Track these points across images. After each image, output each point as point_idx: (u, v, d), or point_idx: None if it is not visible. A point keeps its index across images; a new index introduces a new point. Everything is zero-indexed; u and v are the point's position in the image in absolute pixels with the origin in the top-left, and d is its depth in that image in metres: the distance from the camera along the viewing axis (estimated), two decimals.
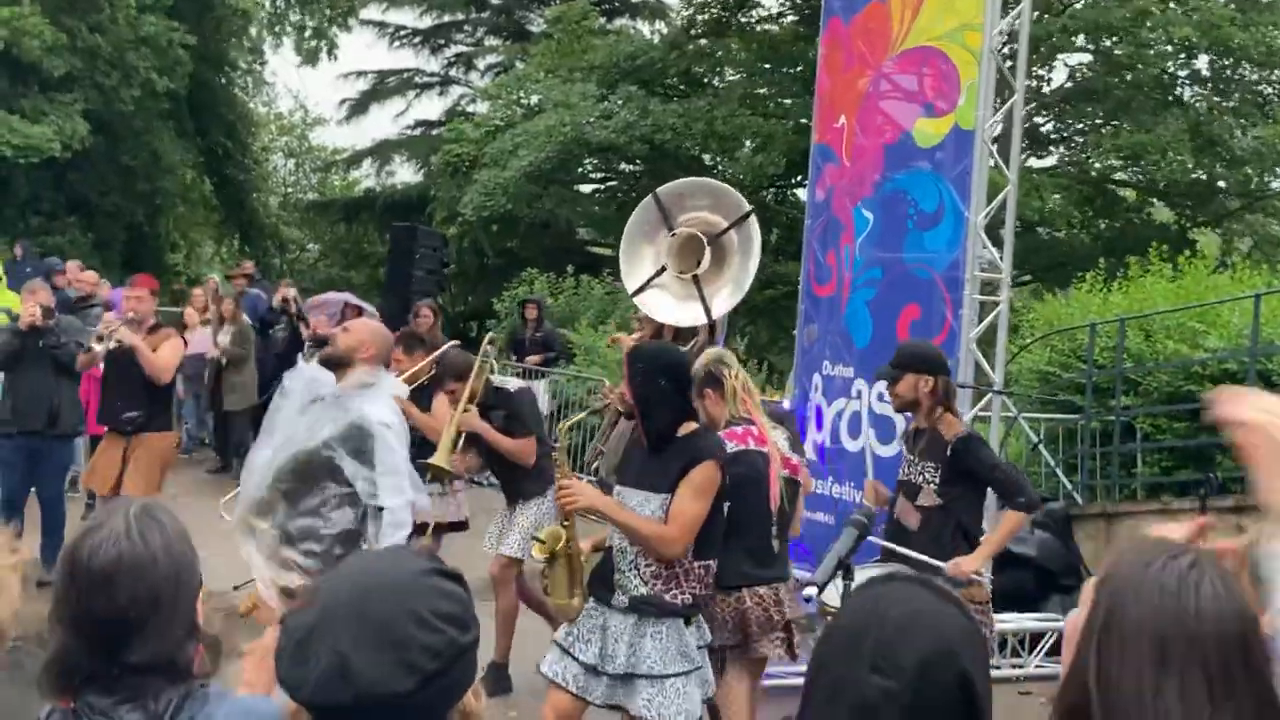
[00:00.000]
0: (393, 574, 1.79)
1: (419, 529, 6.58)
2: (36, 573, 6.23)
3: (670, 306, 6.99)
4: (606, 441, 7.15)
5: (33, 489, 8.53)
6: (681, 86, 24.02)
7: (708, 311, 6.86)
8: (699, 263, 6.89)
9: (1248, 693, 1.66)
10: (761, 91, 23.35)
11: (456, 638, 1.73)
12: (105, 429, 8.42)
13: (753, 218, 7.02)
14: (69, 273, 13.60)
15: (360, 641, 1.67)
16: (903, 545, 5.50)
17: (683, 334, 7.00)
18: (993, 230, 8.27)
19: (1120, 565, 1.81)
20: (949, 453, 5.55)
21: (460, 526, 7.55)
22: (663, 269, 7.00)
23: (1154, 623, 1.69)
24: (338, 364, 4.96)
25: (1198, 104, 20.37)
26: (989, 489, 5.79)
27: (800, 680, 1.84)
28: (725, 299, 6.96)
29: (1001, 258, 8.17)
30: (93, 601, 2.11)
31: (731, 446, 4.94)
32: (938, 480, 5.58)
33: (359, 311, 13.85)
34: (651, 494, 4.51)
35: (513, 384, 7.58)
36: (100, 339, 8.06)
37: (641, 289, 7.06)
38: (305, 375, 4.92)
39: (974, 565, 5.42)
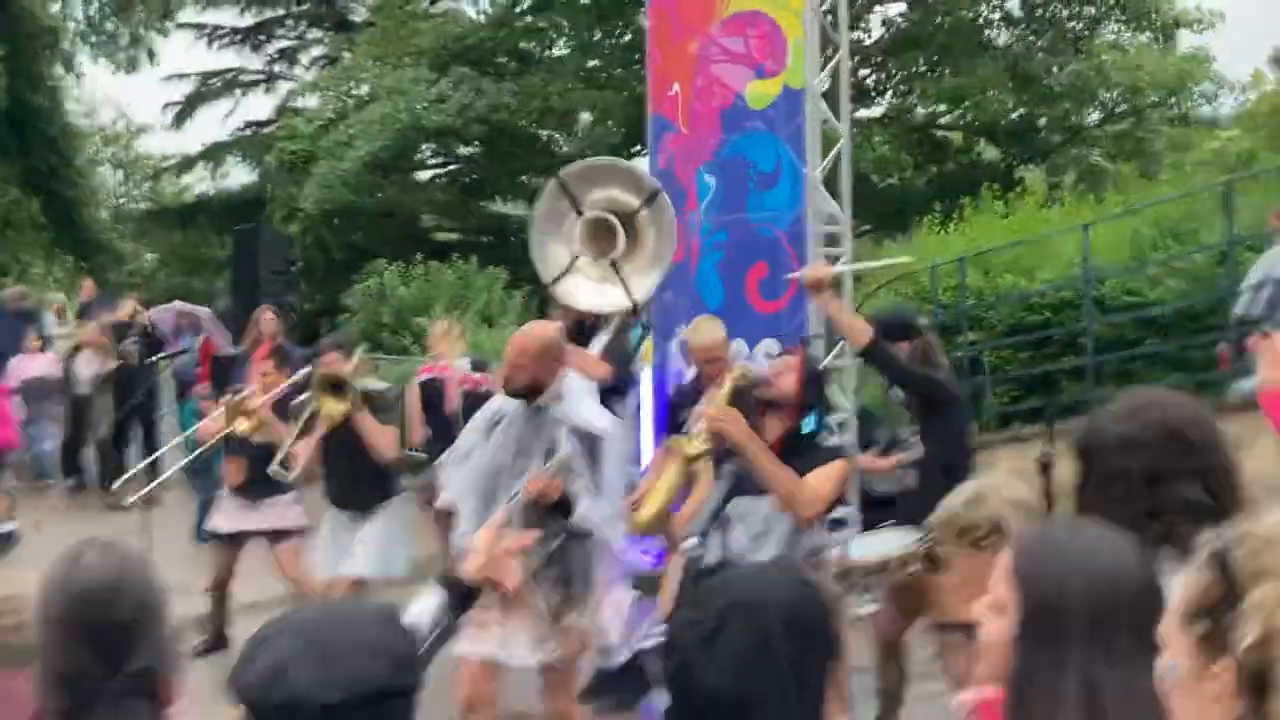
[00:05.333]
0: (350, 608, 1.90)
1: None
2: None
3: (589, 292, 6.83)
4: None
5: None
6: (513, 64, 23.87)
7: (629, 293, 6.82)
8: (615, 245, 6.84)
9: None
10: (594, 63, 23.35)
11: (388, 672, 1.79)
12: None
13: (664, 194, 6.98)
14: None
15: (298, 653, 1.76)
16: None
17: (604, 316, 6.95)
18: (831, 184, 8.51)
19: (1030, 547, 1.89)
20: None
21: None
22: (577, 258, 6.92)
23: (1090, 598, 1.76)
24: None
25: (1013, 45, 21.03)
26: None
27: None
28: (646, 279, 6.91)
29: (842, 210, 8.41)
30: (96, 612, 2.26)
31: None
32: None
33: (192, 318, 13.69)
34: None
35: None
36: None
37: (558, 279, 6.97)
38: None
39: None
